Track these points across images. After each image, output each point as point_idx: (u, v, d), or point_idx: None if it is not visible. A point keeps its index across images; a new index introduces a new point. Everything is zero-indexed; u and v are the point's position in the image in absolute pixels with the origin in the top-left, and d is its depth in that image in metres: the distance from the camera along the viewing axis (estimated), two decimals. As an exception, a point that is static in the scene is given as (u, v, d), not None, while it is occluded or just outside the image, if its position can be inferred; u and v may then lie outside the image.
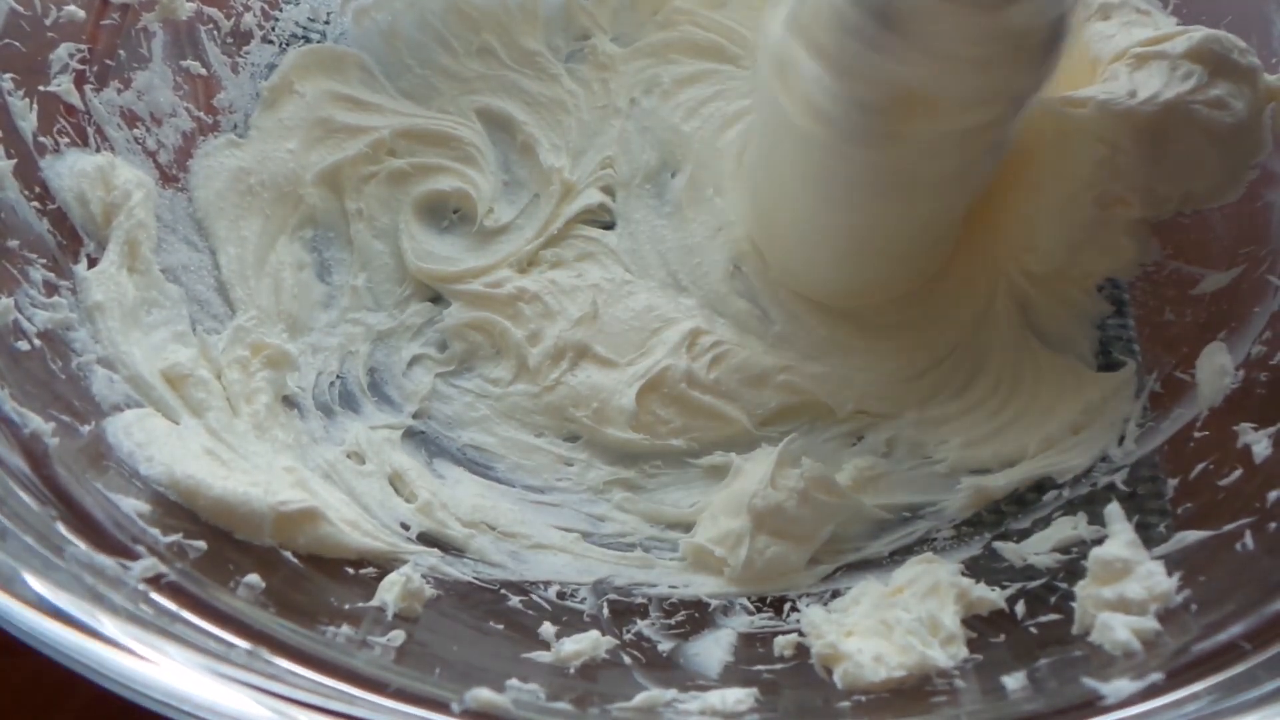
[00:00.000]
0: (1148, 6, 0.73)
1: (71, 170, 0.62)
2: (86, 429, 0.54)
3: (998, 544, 0.60)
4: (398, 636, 0.51)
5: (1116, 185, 0.66)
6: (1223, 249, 0.65)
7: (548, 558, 0.63)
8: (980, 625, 0.54)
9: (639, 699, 0.49)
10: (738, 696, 0.49)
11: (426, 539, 0.61)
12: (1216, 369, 0.61)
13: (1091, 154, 0.65)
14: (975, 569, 0.58)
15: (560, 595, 0.59)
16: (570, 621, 0.56)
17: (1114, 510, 0.57)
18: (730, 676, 0.53)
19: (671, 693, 0.50)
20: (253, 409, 0.62)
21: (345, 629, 0.50)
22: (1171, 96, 0.63)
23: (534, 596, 0.59)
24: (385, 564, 0.57)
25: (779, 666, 0.53)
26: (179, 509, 0.53)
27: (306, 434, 0.64)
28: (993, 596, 0.54)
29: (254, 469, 0.58)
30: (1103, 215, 0.67)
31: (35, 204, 0.60)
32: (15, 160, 0.60)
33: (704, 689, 0.50)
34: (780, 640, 0.55)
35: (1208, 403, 0.60)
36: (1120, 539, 0.55)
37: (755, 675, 0.52)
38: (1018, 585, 0.56)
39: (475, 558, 0.61)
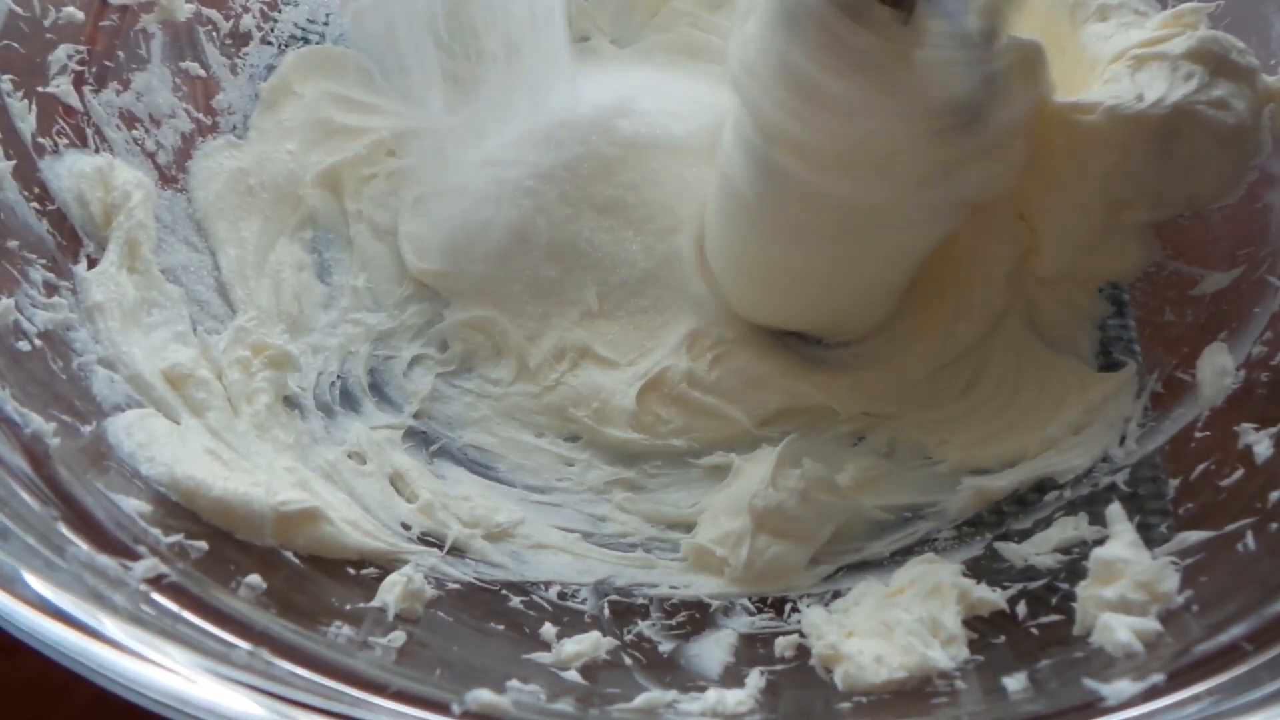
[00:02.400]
0: (1145, 8, 0.73)
1: (70, 171, 0.63)
2: (88, 429, 0.54)
3: (999, 544, 0.60)
4: (398, 637, 0.50)
5: (1127, 190, 0.65)
6: (1222, 250, 0.65)
7: (549, 558, 0.62)
8: (981, 626, 0.54)
9: (639, 700, 0.49)
10: (738, 698, 0.49)
11: (427, 539, 0.61)
12: (1217, 369, 0.61)
13: (1103, 160, 0.64)
14: (976, 569, 0.58)
15: (561, 596, 0.59)
16: (571, 622, 0.56)
17: (1115, 510, 0.57)
18: (731, 677, 0.53)
19: (672, 694, 0.50)
20: (253, 409, 0.62)
21: (346, 629, 0.50)
22: (1178, 98, 0.63)
23: (535, 597, 0.59)
24: (386, 564, 0.57)
25: (780, 667, 0.53)
26: (180, 509, 0.53)
27: (307, 434, 0.64)
28: (994, 597, 0.54)
29: (255, 469, 0.58)
30: (1112, 221, 0.67)
31: (35, 205, 0.60)
32: (14, 161, 0.60)
33: (704, 690, 0.50)
34: (781, 641, 0.55)
35: (1209, 403, 0.60)
36: (1122, 539, 0.55)
37: (756, 676, 0.52)
38: (1019, 586, 0.56)
39: (476, 558, 0.61)
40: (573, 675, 0.51)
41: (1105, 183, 0.65)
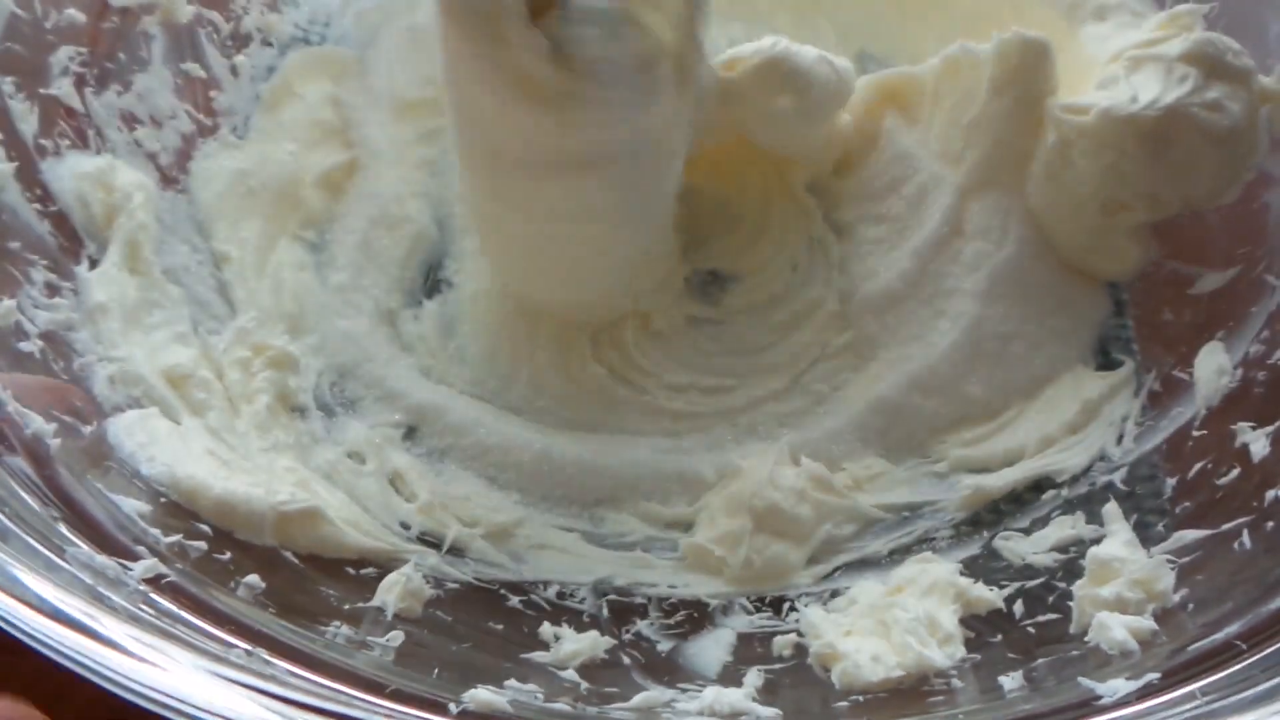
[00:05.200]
0: (1142, 8, 0.73)
1: (72, 173, 0.63)
2: (88, 429, 0.55)
3: (997, 543, 0.60)
4: (397, 637, 0.51)
5: (1122, 192, 0.66)
6: (1220, 249, 0.65)
7: (548, 557, 0.63)
8: (978, 625, 0.54)
9: (637, 699, 0.49)
10: (736, 696, 0.49)
11: (427, 539, 0.61)
12: (1214, 368, 0.61)
13: (1097, 162, 0.65)
14: (974, 568, 0.58)
15: (560, 595, 0.60)
16: (570, 621, 0.56)
17: (1111, 509, 0.57)
18: (729, 676, 0.53)
19: (670, 693, 0.50)
20: (254, 409, 0.62)
21: (345, 629, 0.50)
22: (1171, 100, 0.63)
23: (533, 596, 0.59)
24: (385, 564, 0.57)
25: (777, 666, 0.53)
26: (180, 509, 0.54)
27: (308, 434, 0.64)
28: (991, 596, 0.55)
29: (255, 469, 0.58)
30: (1107, 222, 0.67)
31: (36, 206, 0.61)
32: (16, 163, 0.60)
33: (702, 689, 0.50)
34: (779, 640, 0.55)
35: (1206, 402, 0.60)
36: (1118, 538, 0.55)
37: (754, 675, 0.53)
38: (1016, 585, 0.56)
39: (475, 558, 0.61)
40: (571, 674, 0.51)
41: (1100, 184, 0.65)
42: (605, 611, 0.59)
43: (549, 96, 0.55)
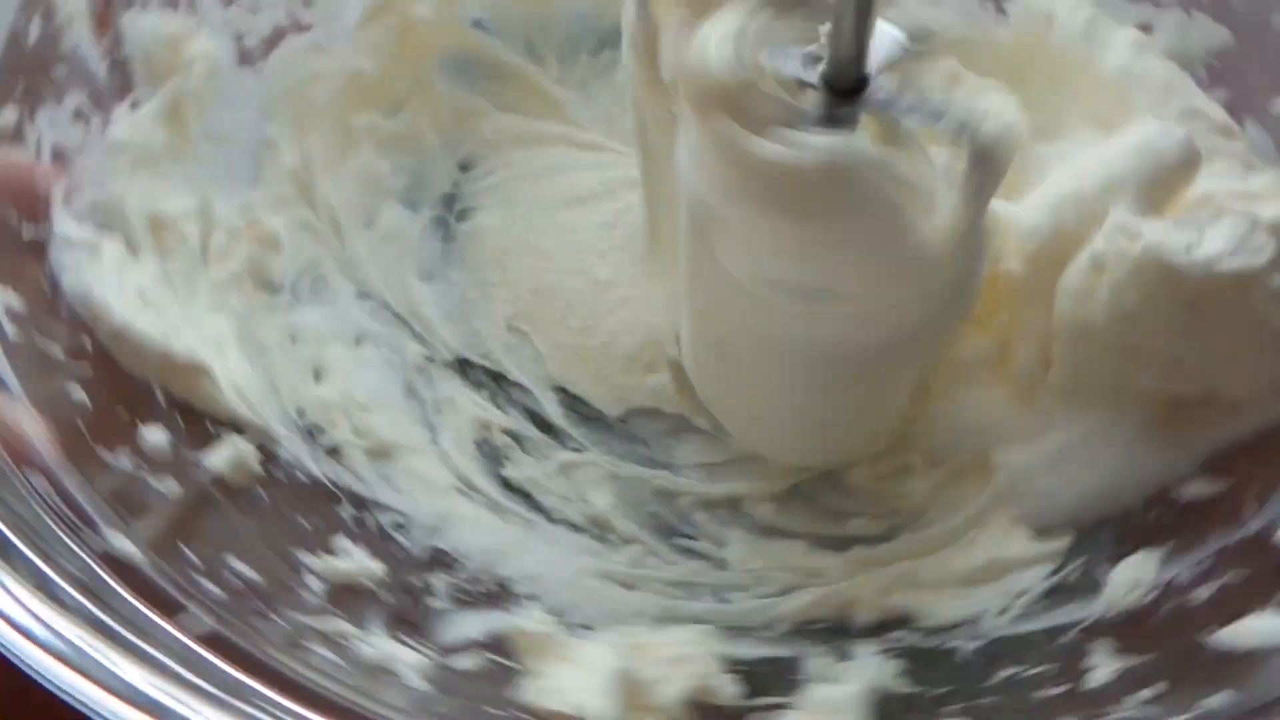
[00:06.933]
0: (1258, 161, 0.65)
1: (150, 29, 0.65)
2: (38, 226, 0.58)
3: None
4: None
5: (1137, 337, 0.60)
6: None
7: (417, 492, 0.65)
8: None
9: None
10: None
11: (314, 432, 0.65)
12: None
13: (1121, 296, 0.59)
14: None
15: (396, 527, 0.62)
16: (372, 549, 0.59)
17: None
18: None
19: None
20: (219, 270, 0.66)
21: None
22: (1229, 268, 0.57)
23: (367, 516, 0.62)
24: (256, 439, 0.61)
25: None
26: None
27: (264, 308, 0.67)
28: None
29: (182, 318, 0.62)
30: (1122, 364, 0.61)
31: (102, 46, 0.63)
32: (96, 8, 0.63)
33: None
34: None
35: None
36: None
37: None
38: None
39: (346, 465, 0.64)
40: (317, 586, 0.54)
41: (1117, 320, 0.60)
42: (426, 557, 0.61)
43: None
